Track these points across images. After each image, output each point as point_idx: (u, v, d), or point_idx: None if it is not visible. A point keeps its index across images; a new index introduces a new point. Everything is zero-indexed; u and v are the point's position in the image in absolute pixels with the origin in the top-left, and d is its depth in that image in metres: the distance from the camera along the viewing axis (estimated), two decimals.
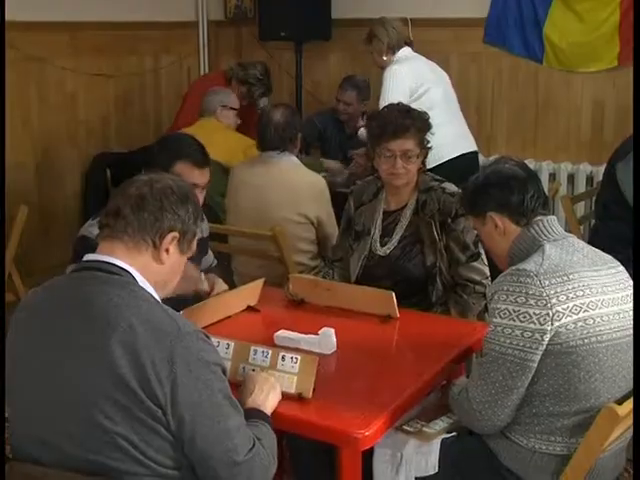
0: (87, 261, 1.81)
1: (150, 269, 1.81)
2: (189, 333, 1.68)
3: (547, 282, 1.99)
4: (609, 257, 2.18)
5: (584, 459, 1.95)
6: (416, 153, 2.91)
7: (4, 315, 2.73)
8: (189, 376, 1.64)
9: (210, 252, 3.03)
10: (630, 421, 2.01)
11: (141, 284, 1.78)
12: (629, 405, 1.92)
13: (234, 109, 4.62)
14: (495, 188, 2.18)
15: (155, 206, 1.79)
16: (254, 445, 1.73)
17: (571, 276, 2.03)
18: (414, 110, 2.99)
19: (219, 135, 4.39)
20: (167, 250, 1.82)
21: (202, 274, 2.75)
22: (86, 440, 1.63)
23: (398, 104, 3.06)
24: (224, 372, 1.76)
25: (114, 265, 1.76)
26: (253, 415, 1.89)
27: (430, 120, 2.99)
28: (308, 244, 3.58)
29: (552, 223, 2.16)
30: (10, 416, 1.78)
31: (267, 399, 1.97)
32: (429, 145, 2.98)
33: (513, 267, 2.08)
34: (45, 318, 1.74)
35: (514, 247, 2.17)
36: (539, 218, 2.16)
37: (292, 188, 3.50)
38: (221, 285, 2.80)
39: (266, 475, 1.77)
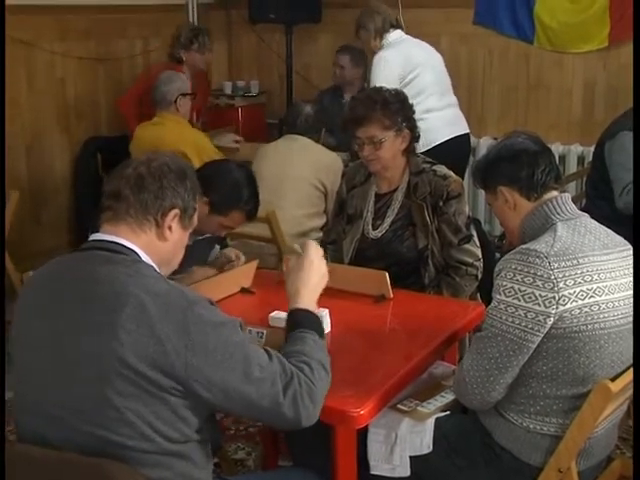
0: (93, 240, 1.82)
1: (155, 247, 1.83)
2: (197, 302, 1.70)
3: (556, 265, 1.96)
4: (621, 239, 2.14)
5: (577, 436, 1.96)
6: (383, 138, 2.88)
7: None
8: (207, 340, 1.65)
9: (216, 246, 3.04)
10: (622, 398, 2.02)
11: (146, 261, 1.79)
12: (622, 382, 1.92)
13: (190, 94, 4.53)
14: (505, 162, 2.16)
15: (155, 185, 1.81)
16: (292, 378, 1.73)
17: (581, 260, 1.99)
18: (381, 93, 2.95)
19: (186, 131, 4.37)
20: (170, 227, 1.84)
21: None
22: (95, 415, 1.63)
23: (370, 89, 3.04)
24: (241, 327, 1.76)
25: (119, 244, 1.78)
26: (300, 320, 1.91)
27: (412, 103, 2.97)
28: (317, 210, 3.79)
29: (566, 201, 2.12)
30: (17, 391, 1.77)
31: (316, 292, 2.00)
32: (408, 127, 2.92)
33: (523, 246, 2.04)
34: (52, 295, 1.74)
35: (526, 223, 2.14)
36: (553, 195, 2.13)
37: (314, 158, 3.82)
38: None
39: (316, 396, 1.76)
